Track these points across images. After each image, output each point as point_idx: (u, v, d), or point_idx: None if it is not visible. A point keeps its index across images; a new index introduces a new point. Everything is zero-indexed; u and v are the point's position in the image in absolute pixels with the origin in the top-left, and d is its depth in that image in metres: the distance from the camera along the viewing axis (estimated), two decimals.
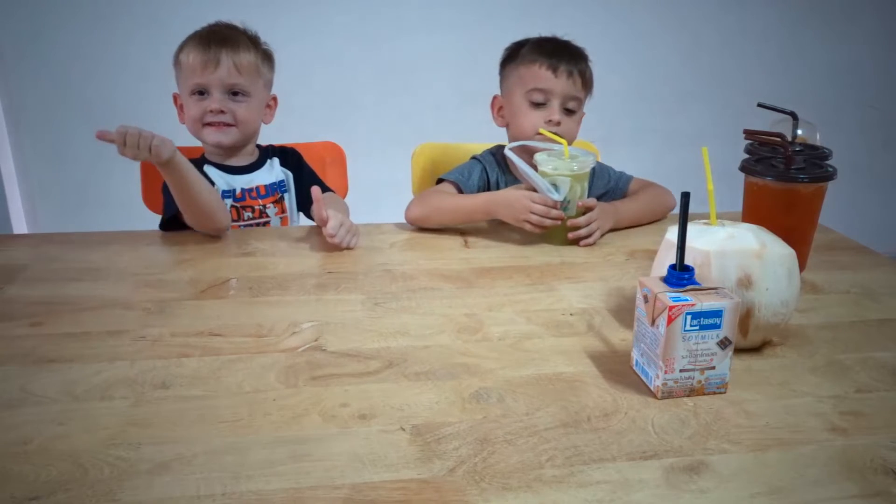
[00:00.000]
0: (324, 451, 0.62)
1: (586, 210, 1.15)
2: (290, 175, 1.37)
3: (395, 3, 2.35)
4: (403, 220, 1.24)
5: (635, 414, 0.68)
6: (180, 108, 1.29)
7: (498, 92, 1.34)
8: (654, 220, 1.27)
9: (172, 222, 1.19)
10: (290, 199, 1.35)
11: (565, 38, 1.30)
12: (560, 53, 1.24)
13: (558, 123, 1.23)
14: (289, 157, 1.39)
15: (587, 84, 1.27)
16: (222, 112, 1.25)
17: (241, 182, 1.31)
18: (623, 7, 2.49)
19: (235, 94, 1.26)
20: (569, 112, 1.26)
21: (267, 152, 1.37)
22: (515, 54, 1.29)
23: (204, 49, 1.23)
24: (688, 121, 2.63)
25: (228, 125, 1.26)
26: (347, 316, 0.88)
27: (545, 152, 1.17)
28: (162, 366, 0.76)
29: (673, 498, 0.56)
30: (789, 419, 0.67)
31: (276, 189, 1.34)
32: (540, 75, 1.24)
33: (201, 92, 1.25)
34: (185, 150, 1.36)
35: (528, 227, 1.12)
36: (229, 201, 1.29)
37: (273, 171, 1.35)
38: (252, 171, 1.33)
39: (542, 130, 1.22)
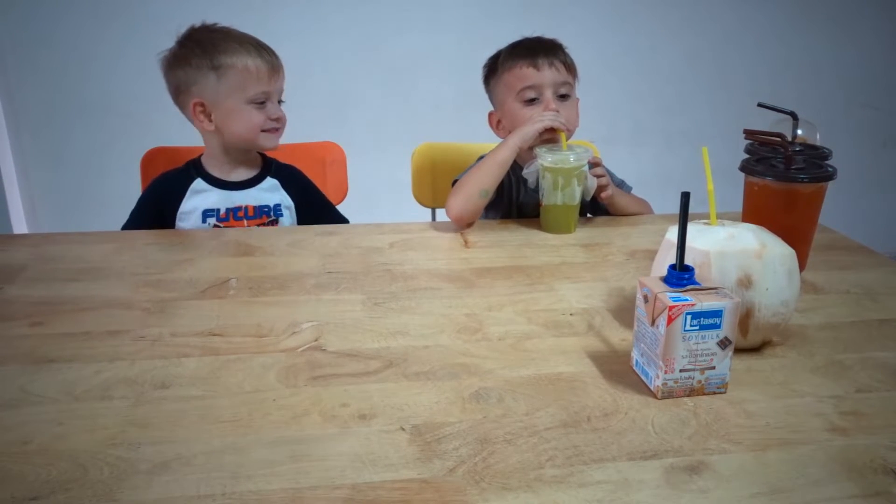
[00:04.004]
0: (324, 451, 0.62)
1: (595, 192, 1.25)
2: (292, 204, 1.34)
3: (395, 3, 2.35)
4: (403, 220, 1.24)
5: (635, 414, 0.68)
6: (203, 113, 1.24)
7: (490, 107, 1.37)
8: (637, 213, 1.35)
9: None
10: (283, 224, 1.32)
11: (537, 34, 1.32)
12: (535, 49, 1.27)
13: (556, 111, 1.24)
14: (294, 178, 1.36)
15: (570, 69, 1.30)
16: (277, 119, 1.27)
17: (229, 200, 1.29)
18: (624, 6, 2.49)
19: (280, 100, 1.29)
20: (563, 98, 1.28)
21: (269, 167, 1.34)
22: (494, 67, 1.32)
23: (262, 57, 1.23)
24: (688, 121, 2.64)
25: (278, 129, 1.28)
26: (347, 316, 0.88)
27: (544, 145, 1.20)
28: (162, 366, 0.76)
29: (673, 498, 0.56)
30: (789, 419, 0.67)
31: (266, 212, 1.31)
32: (524, 74, 1.26)
33: (262, 101, 1.24)
34: (176, 151, 1.37)
35: (547, 124, 1.20)
36: (212, 220, 1.27)
37: (272, 193, 1.32)
38: (247, 188, 1.31)
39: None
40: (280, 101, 1.29)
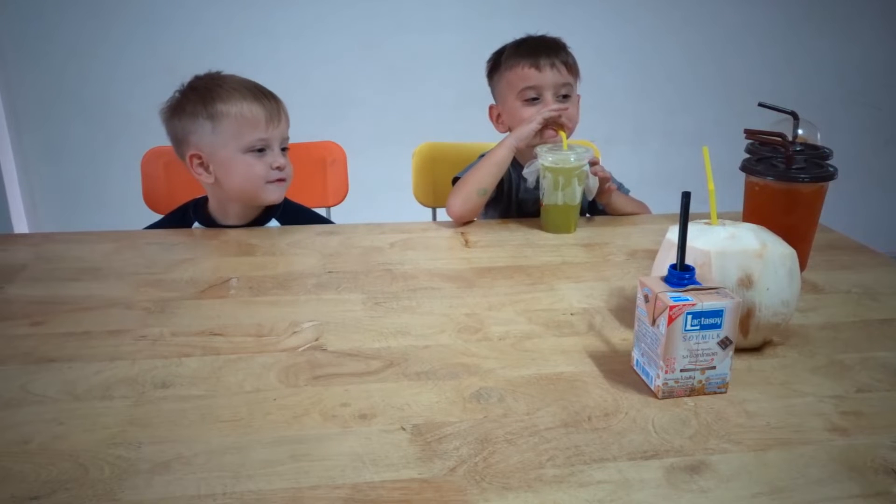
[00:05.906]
0: (324, 450, 0.62)
1: (598, 187, 1.25)
2: None
3: (395, 3, 2.35)
4: (403, 220, 1.24)
5: (636, 414, 0.68)
6: (200, 166, 1.18)
7: (492, 101, 1.37)
8: (635, 213, 1.35)
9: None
10: None
11: (541, 33, 1.33)
12: (538, 49, 1.27)
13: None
14: (298, 218, 1.29)
15: (572, 70, 1.30)
16: (281, 168, 1.20)
17: None
18: (625, 6, 2.49)
19: (283, 147, 1.22)
20: (564, 99, 1.28)
21: (275, 207, 1.27)
22: (498, 63, 1.33)
23: (260, 102, 1.16)
24: (689, 120, 2.64)
25: (283, 180, 1.21)
26: (348, 315, 0.88)
27: (545, 145, 1.21)
28: (162, 365, 0.76)
29: (674, 498, 0.56)
30: (790, 419, 0.67)
31: None
32: (526, 75, 1.26)
33: (261, 149, 1.18)
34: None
35: (544, 117, 1.21)
36: None
37: None
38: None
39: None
40: (284, 149, 1.22)
